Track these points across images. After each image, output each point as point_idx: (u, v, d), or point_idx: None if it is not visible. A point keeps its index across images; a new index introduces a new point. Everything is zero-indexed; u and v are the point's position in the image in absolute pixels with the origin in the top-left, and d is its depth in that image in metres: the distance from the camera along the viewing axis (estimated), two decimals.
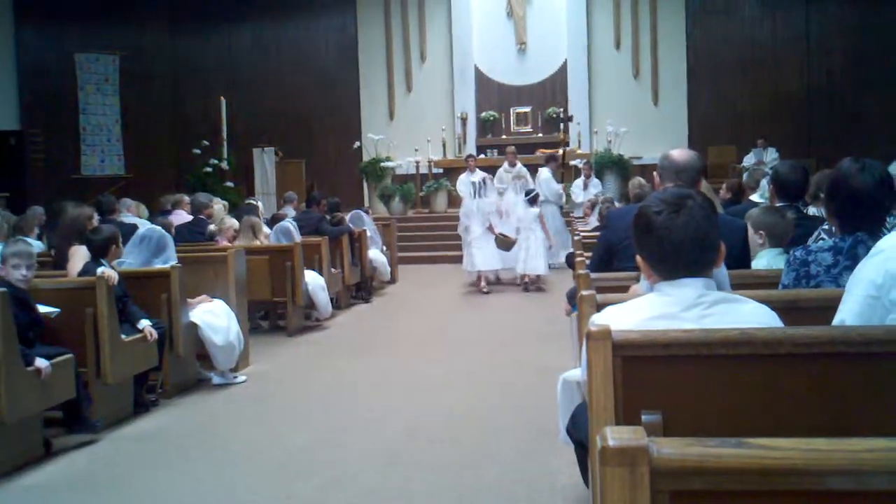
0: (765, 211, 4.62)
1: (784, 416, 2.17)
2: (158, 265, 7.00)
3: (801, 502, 1.46)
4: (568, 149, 17.80)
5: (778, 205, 4.91)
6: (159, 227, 7.57)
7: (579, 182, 15.79)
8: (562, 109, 20.27)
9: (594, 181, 15.75)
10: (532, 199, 12.42)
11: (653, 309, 2.44)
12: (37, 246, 8.47)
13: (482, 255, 12.41)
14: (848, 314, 2.59)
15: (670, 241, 2.39)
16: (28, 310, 5.45)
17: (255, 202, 12.51)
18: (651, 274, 2.50)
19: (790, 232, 4.44)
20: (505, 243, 12.14)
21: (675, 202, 2.42)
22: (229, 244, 8.90)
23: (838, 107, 18.93)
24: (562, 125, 18.16)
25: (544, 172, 14.80)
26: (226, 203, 11.63)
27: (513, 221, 12.40)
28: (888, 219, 3.38)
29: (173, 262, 7.00)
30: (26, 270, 5.54)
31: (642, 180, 9.00)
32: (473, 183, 13.17)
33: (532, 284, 12.46)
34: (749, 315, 2.41)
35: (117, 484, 5.03)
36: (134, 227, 7.96)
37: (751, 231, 4.40)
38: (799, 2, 19.67)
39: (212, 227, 9.60)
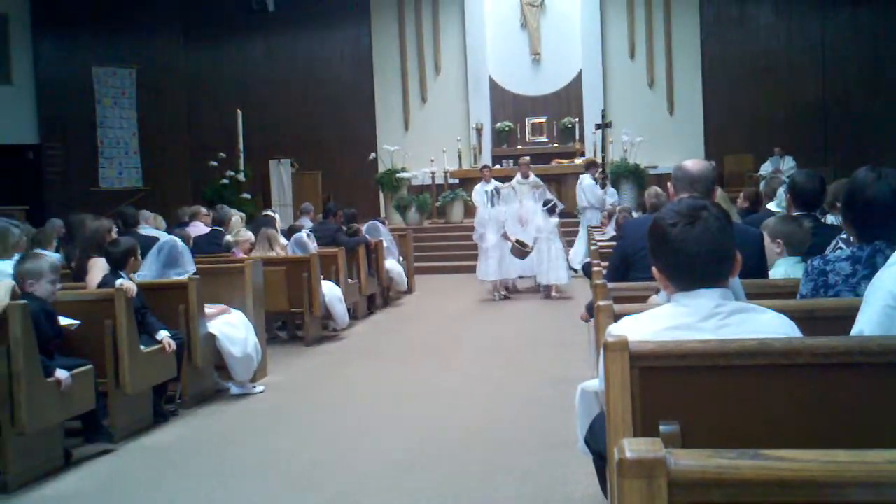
0: (782, 220, 4.60)
1: (802, 427, 2.16)
2: (173, 276, 7.03)
3: None
4: (603, 155, 17.74)
5: (795, 213, 4.90)
6: (173, 238, 7.59)
7: None
8: (576, 119, 20.30)
9: (610, 190, 15.72)
10: (551, 209, 12.57)
11: (670, 319, 2.44)
12: (56, 258, 8.54)
13: (497, 264, 12.55)
14: (866, 325, 2.58)
15: (686, 253, 2.40)
16: (54, 322, 5.51)
17: (272, 213, 12.56)
18: (668, 285, 2.51)
19: (808, 241, 4.43)
20: (520, 251, 12.21)
21: (690, 214, 2.42)
22: (246, 256, 8.94)
23: (854, 114, 18.84)
24: (601, 131, 18.04)
25: (586, 179, 15.00)
26: (243, 215, 11.68)
27: (531, 230, 12.48)
28: None
29: (188, 274, 7.04)
30: (57, 285, 5.63)
31: (658, 190, 8.96)
32: (487, 192, 13.46)
33: (554, 292, 12.58)
34: (767, 325, 2.41)
35: (134, 494, 5.06)
36: (155, 240, 7.99)
37: (768, 240, 4.40)
38: (814, 10, 19.62)
39: (228, 237, 9.65)
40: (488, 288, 12.86)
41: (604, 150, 17.78)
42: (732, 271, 2.49)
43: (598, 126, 18.29)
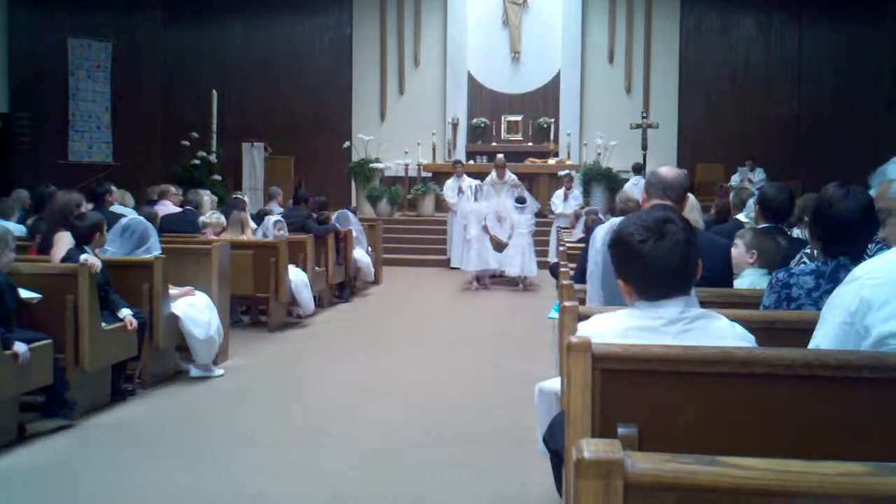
0: (762, 234, 4.61)
1: (759, 436, 2.19)
2: (137, 255, 6.97)
3: None
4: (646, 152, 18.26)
5: (763, 226, 4.94)
6: (143, 219, 7.49)
7: (560, 193, 15.78)
8: (552, 120, 20.38)
9: (574, 193, 15.71)
10: (523, 206, 13.31)
11: (635, 320, 2.49)
12: (18, 229, 8.42)
13: (478, 255, 13.21)
14: (823, 339, 2.61)
15: (656, 267, 2.42)
16: (15, 294, 5.43)
17: (242, 196, 12.47)
18: (632, 296, 2.53)
19: (780, 259, 4.47)
20: (498, 244, 12.97)
21: (657, 228, 2.44)
22: (216, 238, 8.88)
23: (826, 130, 19.05)
24: (643, 130, 18.40)
25: (641, 181, 15.59)
26: (215, 198, 11.58)
27: (506, 226, 13.07)
28: (870, 245, 3.41)
29: (154, 254, 6.98)
30: (13, 253, 5.55)
31: (630, 194, 9.03)
32: (470, 187, 14.02)
33: (525, 284, 13.28)
34: (723, 331, 2.47)
35: (88, 471, 5.01)
36: (119, 217, 7.90)
37: (741, 248, 4.43)
38: (792, 26, 19.84)
39: (203, 218, 9.57)
40: (469, 278, 13.46)
41: (645, 147, 18.33)
42: (695, 278, 2.53)
43: (636, 125, 18.55)
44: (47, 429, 5.62)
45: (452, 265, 14.67)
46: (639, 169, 17.10)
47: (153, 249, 7.06)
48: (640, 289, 2.50)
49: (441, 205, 17.31)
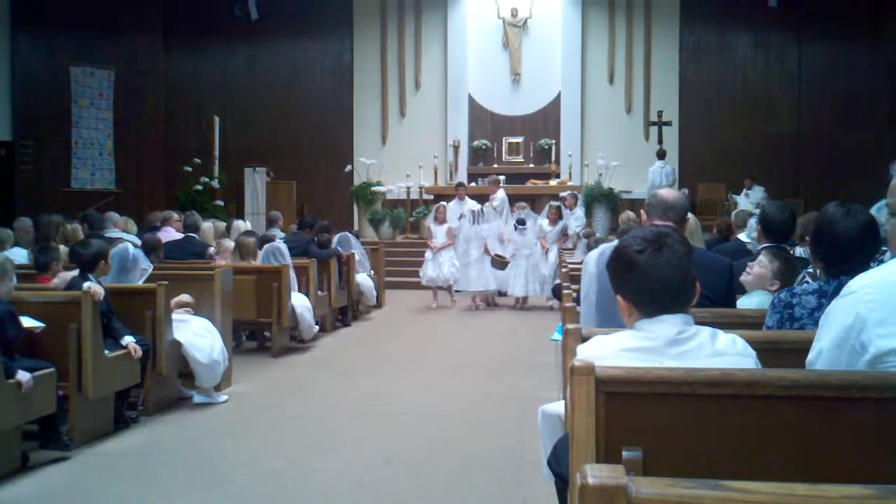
0: (790, 266, 4.50)
1: (762, 458, 2.18)
2: (126, 283, 7.00)
3: None
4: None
5: (764, 245, 4.93)
6: (125, 245, 7.50)
7: (545, 216, 15.76)
8: (553, 141, 20.43)
9: (576, 214, 15.69)
10: (525, 229, 13.64)
11: (633, 341, 2.48)
12: (23, 257, 8.43)
13: (478, 276, 13.47)
14: (819, 353, 2.60)
15: (656, 278, 2.42)
16: (17, 323, 5.42)
17: (245, 223, 12.53)
18: (633, 313, 2.52)
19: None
20: (500, 263, 13.27)
21: (655, 240, 2.45)
22: (217, 263, 8.91)
23: (826, 148, 19.08)
24: (658, 128, 18.85)
25: (667, 166, 15.79)
26: (221, 224, 11.61)
27: (509, 247, 13.51)
28: (871, 264, 3.40)
29: (144, 278, 7.05)
30: (14, 282, 5.56)
31: (632, 214, 9.05)
32: (472, 211, 14.09)
33: (527, 303, 13.62)
34: (724, 348, 2.45)
35: (92, 500, 5.00)
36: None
37: (766, 272, 4.37)
38: (791, 43, 19.91)
39: (212, 249, 9.62)
40: (469, 298, 13.70)
41: (660, 141, 18.69)
42: (694, 297, 2.52)
43: (653, 123, 19.02)
44: (50, 458, 5.59)
45: (455, 288, 14.66)
46: (662, 154, 17.52)
47: (134, 279, 7.10)
48: (638, 302, 2.49)
49: None
